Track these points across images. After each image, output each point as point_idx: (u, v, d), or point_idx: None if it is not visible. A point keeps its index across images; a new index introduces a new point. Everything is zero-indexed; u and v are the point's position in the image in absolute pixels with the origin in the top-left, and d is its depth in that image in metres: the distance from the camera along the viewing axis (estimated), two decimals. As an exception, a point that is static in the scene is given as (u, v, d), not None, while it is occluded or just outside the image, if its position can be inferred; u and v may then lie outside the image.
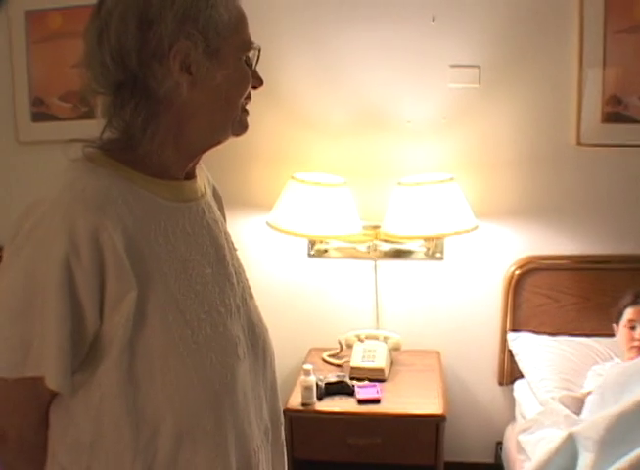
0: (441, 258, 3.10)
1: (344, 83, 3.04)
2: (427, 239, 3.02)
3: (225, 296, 1.33)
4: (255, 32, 2.95)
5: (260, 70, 3.09)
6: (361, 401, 2.71)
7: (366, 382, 2.81)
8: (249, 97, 1.34)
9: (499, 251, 3.06)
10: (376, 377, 2.84)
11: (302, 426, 2.73)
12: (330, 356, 3.06)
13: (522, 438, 2.58)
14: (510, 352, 2.99)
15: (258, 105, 2.99)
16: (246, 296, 1.43)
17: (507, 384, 3.07)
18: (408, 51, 2.97)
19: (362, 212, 2.96)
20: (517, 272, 3.01)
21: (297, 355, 3.12)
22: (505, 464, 2.84)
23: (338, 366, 2.99)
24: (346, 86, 3.04)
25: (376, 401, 2.71)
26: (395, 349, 2.98)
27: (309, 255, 3.16)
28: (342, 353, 3.04)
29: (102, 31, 1.20)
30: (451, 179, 2.86)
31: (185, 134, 1.27)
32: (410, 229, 2.85)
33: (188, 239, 1.29)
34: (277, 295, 3.20)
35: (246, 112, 1.34)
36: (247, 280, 1.47)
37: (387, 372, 2.88)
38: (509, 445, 2.84)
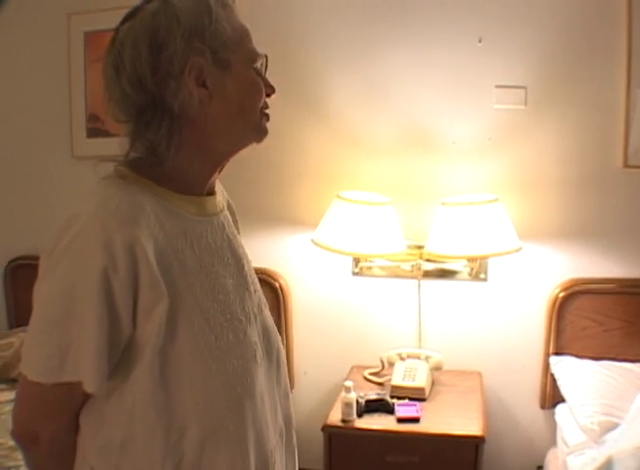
0: (485, 279, 3.09)
1: (391, 103, 3.07)
2: (470, 259, 3.02)
3: (245, 305, 1.41)
4: (304, 51, 3.05)
5: (309, 89, 3.16)
6: (400, 420, 2.71)
7: (406, 401, 2.80)
8: (266, 105, 1.40)
9: (543, 273, 3.04)
10: (416, 396, 2.84)
11: (341, 442, 2.74)
12: (371, 374, 3.07)
13: (570, 460, 2.55)
14: (552, 375, 2.95)
15: (306, 123, 3.12)
16: (261, 305, 1.50)
17: (549, 407, 3.03)
18: (454, 71, 3.00)
19: (406, 232, 2.98)
20: (561, 295, 2.98)
21: (339, 373, 3.14)
22: (545, 488, 2.81)
23: (379, 384, 3.00)
24: (393, 105, 3.07)
25: (415, 420, 2.71)
26: (437, 368, 2.98)
27: (353, 273, 3.19)
28: (384, 372, 3.05)
29: (118, 63, 1.28)
30: (496, 200, 2.86)
31: (209, 145, 1.34)
32: (453, 249, 2.85)
33: (211, 251, 1.36)
34: (321, 312, 3.24)
35: (266, 118, 1.41)
36: (261, 291, 1.54)
37: (427, 391, 2.88)
38: (550, 469, 2.80)
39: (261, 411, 1.39)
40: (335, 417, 2.75)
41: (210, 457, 1.29)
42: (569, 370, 2.88)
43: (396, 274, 3.13)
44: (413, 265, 3.07)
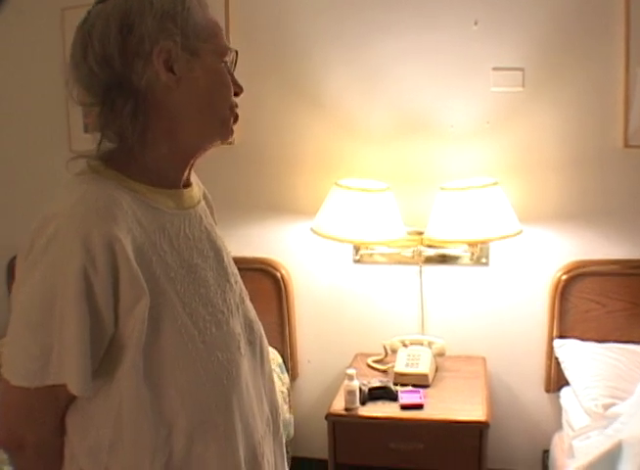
0: (486, 264, 3.07)
1: (387, 89, 3.04)
2: (470, 244, 3.00)
3: (226, 296, 1.40)
4: (299, 39, 3.03)
5: (304, 77, 3.13)
6: (404, 407, 2.71)
7: (410, 387, 2.80)
8: (235, 104, 1.37)
9: (545, 256, 3.02)
10: (420, 383, 2.83)
11: (345, 430, 2.74)
12: (374, 362, 3.06)
13: (576, 443, 2.54)
14: (556, 358, 2.93)
15: (302, 111, 3.10)
16: (243, 295, 1.49)
17: (554, 391, 3.01)
18: (450, 55, 2.97)
19: (406, 218, 2.97)
20: (563, 277, 2.96)
21: (342, 360, 3.13)
22: (552, 472, 2.80)
23: (382, 371, 2.99)
24: (389, 92, 3.04)
25: (419, 407, 2.70)
26: (440, 354, 2.97)
27: (354, 260, 3.17)
28: (387, 359, 3.04)
29: (86, 42, 1.26)
30: (495, 183, 2.83)
31: (177, 137, 1.32)
32: (453, 234, 2.84)
33: (190, 244, 1.35)
34: (323, 300, 3.22)
35: (234, 117, 1.38)
36: (241, 281, 1.52)
37: (430, 378, 2.86)
38: (556, 453, 2.79)
39: (248, 402, 1.38)
40: (338, 405, 2.75)
41: (199, 451, 1.28)
42: (572, 353, 2.87)
43: (397, 261, 3.11)
44: (414, 251, 3.05)
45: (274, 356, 3.14)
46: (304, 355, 3.27)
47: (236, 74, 3.14)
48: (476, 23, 2.93)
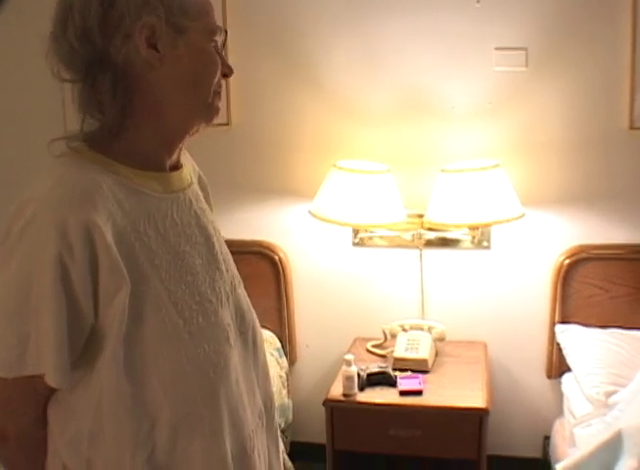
0: (488, 247, 3.02)
1: (387, 69, 2.98)
2: (471, 227, 2.94)
3: (216, 285, 1.34)
4: (297, 19, 2.97)
5: (303, 57, 3.04)
6: (403, 393, 2.67)
7: (409, 373, 2.76)
8: (220, 84, 1.31)
9: (548, 239, 2.97)
10: (419, 368, 2.79)
11: (343, 417, 2.71)
12: (374, 346, 3.02)
13: (577, 431, 2.51)
14: (558, 344, 2.89)
15: (301, 92, 3.04)
16: (235, 283, 1.43)
17: (555, 377, 2.97)
18: (452, 34, 2.90)
19: (406, 200, 2.91)
20: (566, 262, 2.91)
21: (341, 345, 3.09)
22: (553, 459, 2.74)
23: (382, 356, 2.95)
24: (389, 72, 2.98)
25: (418, 393, 2.67)
26: (440, 339, 2.93)
27: (353, 243, 3.12)
28: (387, 344, 3.00)
29: (67, 16, 1.21)
30: (497, 166, 2.78)
31: (160, 118, 1.26)
32: (454, 217, 2.79)
33: (177, 230, 1.30)
34: (321, 284, 3.18)
35: (218, 98, 1.32)
36: (235, 268, 1.46)
37: (430, 363, 2.83)
38: (557, 439, 2.76)
39: (237, 395, 1.34)
40: (336, 391, 2.71)
41: (184, 445, 1.24)
42: (574, 339, 2.83)
43: (397, 244, 3.06)
44: (414, 235, 3.00)
45: (272, 340, 3.11)
46: (303, 340, 3.24)
47: (234, 53, 3.11)
48: (478, 1, 2.86)
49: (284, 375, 3.09)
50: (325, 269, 3.16)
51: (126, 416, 1.20)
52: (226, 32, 1.33)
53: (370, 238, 3.10)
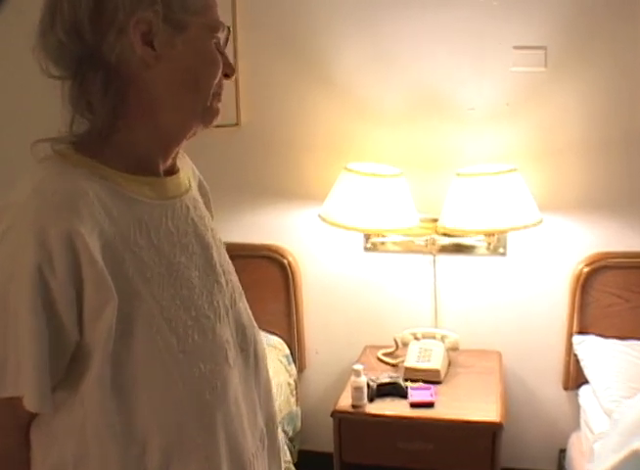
0: (504, 254, 2.92)
1: (401, 68, 2.88)
2: (487, 234, 2.85)
3: (214, 299, 1.25)
4: (309, 15, 2.89)
5: (314, 55, 2.95)
6: (414, 405, 2.59)
7: (420, 384, 2.68)
8: (220, 85, 1.22)
9: (566, 246, 2.86)
10: (431, 379, 2.71)
11: (351, 428, 2.64)
12: (385, 355, 2.93)
13: (597, 447, 2.41)
14: (576, 355, 2.79)
15: (312, 92, 2.95)
16: (235, 296, 1.33)
17: (572, 389, 2.88)
18: (468, 33, 2.80)
19: (419, 205, 2.82)
20: (585, 270, 2.81)
21: (351, 352, 3.01)
22: (568, 474, 2.67)
23: (393, 366, 2.87)
24: (403, 71, 2.88)
25: (429, 405, 2.58)
26: (453, 349, 2.84)
27: (365, 248, 3.03)
28: (398, 352, 2.91)
29: (56, 7, 1.12)
30: (514, 170, 2.69)
31: (155, 121, 1.18)
32: (469, 223, 2.69)
33: (172, 240, 1.20)
34: (332, 289, 3.10)
35: (217, 100, 1.23)
36: (236, 280, 1.37)
37: (443, 374, 2.74)
38: (574, 452, 2.67)
39: (236, 418, 1.24)
40: (345, 402, 2.64)
41: None
42: (593, 350, 2.73)
43: (410, 249, 2.97)
44: (427, 240, 2.91)
45: (281, 347, 3.04)
46: (312, 346, 3.15)
47: (244, 52, 3.02)
48: (496, -1, 2.76)
49: (292, 382, 3.02)
50: (335, 274, 3.08)
51: (113, 441, 1.11)
52: (229, 29, 1.24)
53: (382, 243, 3.01)
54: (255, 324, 1.40)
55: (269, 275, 3.06)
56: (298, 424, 3.01)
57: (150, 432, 1.13)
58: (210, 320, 1.22)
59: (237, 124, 3.02)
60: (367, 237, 3.01)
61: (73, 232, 1.05)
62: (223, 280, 1.30)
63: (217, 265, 1.29)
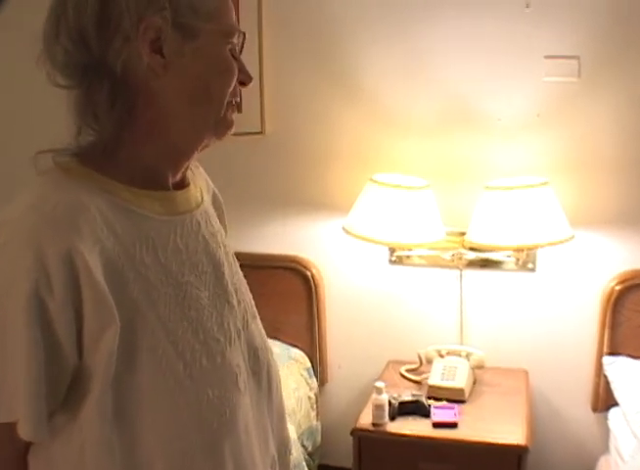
0: (533, 270, 2.83)
1: (429, 77, 2.81)
2: (515, 250, 2.76)
3: (224, 320, 1.18)
4: (336, 20, 2.83)
5: (340, 62, 2.89)
6: (436, 425, 2.51)
7: (444, 403, 2.61)
8: (235, 94, 1.16)
9: (597, 263, 2.77)
10: (455, 398, 2.63)
11: (372, 447, 2.57)
12: (408, 371, 2.86)
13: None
14: (606, 377, 2.70)
15: (337, 99, 2.89)
16: (248, 317, 1.27)
17: (601, 411, 2.78)
18: (499, 41, 2.72)
19: (446, 218, 2.75)
20: (617, 288, 2.71)
21: (373, 368, 2.95)
22: (597, 499, 2.58)
23: (416, 382, 2.79)
24: (431, 80, 2.81)
25: (452, 426, 2.51)
26: (479, 367, 2.75)
27: (390, 261, 2.96)
28: (422, 368, 2.84)
29: (60, 14, 1.07)
30: (545, 183, 2.60)
31: (164, 132, 1.12)
32: (497, 238, 2.61)
33: (180, 258, 1.14)
34: (355, 303, 3.03)
35: (232, 109, 1.17)
36: (250, 299, 1.31)
37: (467, 393, 2.66)
38: (602, 478, 2.58)
39: (246, 446, 1.18)
40: (365, 420, 2.57)
41: None
42: (624, 372, 2.64)
43: (436, 263, 2.89)
44: (454, 254, 2.83)
45: (302, 360, 2.99)
46: (334, 360, 3.09)
47: (269, 60, 2.96)
48: (528, 6, 2.67)
49: (313, 396, 2.97)
50: (359, 287, 3.01)
51: None
52: (244, 35, 1.17)
53: (408, 256, 2.94)
54: (269, 346, 1.33)
55: (292, 287, 3.01)
56: (318, 439, 2.95)
57: (153, 462, 1.07)
58: (220, 343, 1.16)
59: (261, 133, 2.97)
60: (392, 250, 2.94)
61: (73, 250, 0.99)
62: (235, 300, 1.23)
63: (229, 285, 1.23)
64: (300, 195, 3.00)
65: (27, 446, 1.10)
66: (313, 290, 3.00)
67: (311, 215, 3.01)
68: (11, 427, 1.03)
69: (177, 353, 1.09)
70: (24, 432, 1.02)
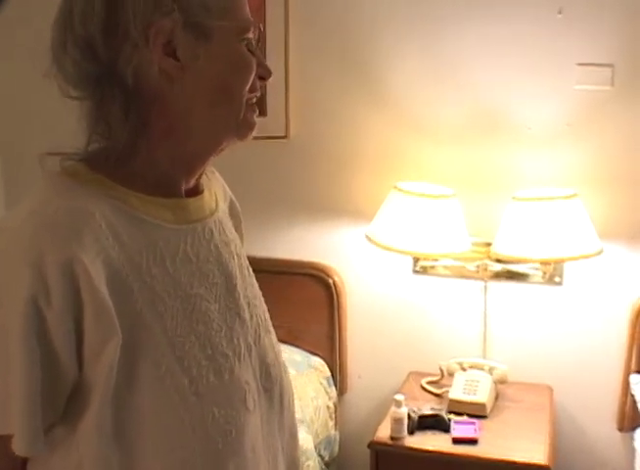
0: (560, 283, 2.76)
1: (458, 83, 2.75)
2: (542, 262, 2.69)
3: (234, 335, 1.14)
4: (362, 23, 2.78)
5: (367, 66, 2.83)
6: (456, 440, 2.45)
7: (465, 418, 2.54)
8: (254, 89, 1.12)
9: (627, 278, 2.69)
10: (476, 413, 2.56)
11: (389, 461, 2.52)
12: (429, 383, 2.80)
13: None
14: (633, 396, 2.61)
15: (363, 104, 2.83)
16: (260, 332, 1.22)
17: (627, 431, 2.69)
18: (530, 47, 2.64)
19: (471, 228, 2.67)
20: (646, 304, 2.63)
21: (394, 379, 2.89)
22: (621, 522, 2.51)
23: (436, 396, 2.73)
24: (460, 86, 2.75)
25: (473, 442, 2.44)
26: (501, 381, 2.68)
27: (414, 271, 2.90)
28: (443, 381, 2.77)
29: (66, 23, 1.04)
30: (574, 195, 2.52)
31: (182, 138, 1.08)
32: (524, 250, 2.54)
33: (190, 268, 1.10)
34: (377, 312, 2.97)
35: (252, 109, 1.12)
36: (264, 312, 1.26)
37: (489, 408, 2.59)
38: (627, 500, 2.50)
39: (253, 467, 1.14)
40: (383, 433, 2.51)
41: None
42: (652, 392, 2.55)
43: (461, 274, 2.83)
44: (479, 265, 2.76)
45: (322, 369, 2.94)
46: (355, 370, 3.03)
47: (294, 62, 2.92)
48: (560, 12, 2.60)
49: (332, 406, 2.92)
50: (382, 296, 2.95)
51: None
52: (260, 28, 1.13)
53: (432, 266, 2.88)
54: (283, 361, 1.29)
55: (314, 294, 2.96)
56: (336, 449, 2.91)
57: None
58: (229, 359, 1.12)
59: (285, 137, 2.92)
60: (416, 259, 2.88)
61: (74, 259, 0.96)
62: (247, 314, 1.19)
63: (241, 298, 1.18)
64: (324, 200, 2.95)
65: (25, 458, 1.07)
66: (335, 298, 2.95)
67: (334, 222, 2.95)
68: (6, 438, 1.00)
69: (183, 369, 1.05)
70: (18, 448, 0.99)
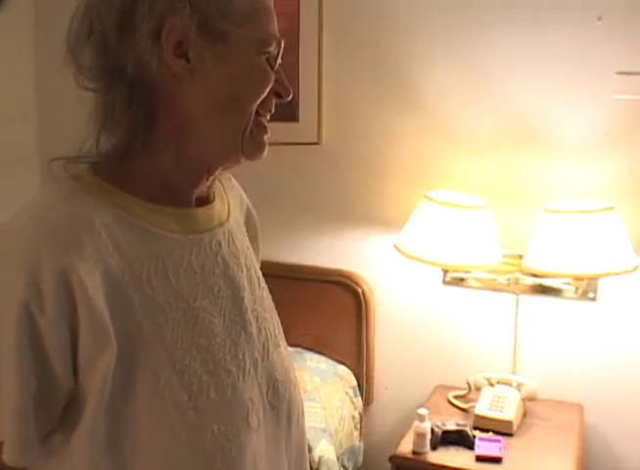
0: (594, 299, 2.67)
1: (492, 92, 2.68)
2: (575, 278, 2.61)
3: (238, 350, 1.11)
4: (396, 31, 2.74)
5: (400, 75, 2.77)
6: (480, 458, 2.37)
7: (490, 435, 2.47)
8: (268, 108, 1.08)
9: (664, 295, 2.59)
10: (502, 430, 2.49)
11: (411, 476, 2.46)
12: (456, 397, 2.74)
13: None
14: (666, 418, 2.53)
15: (396, 113, 2.79)
16: (269, 347, 1.18)
17: (661, 454, 2.61)
18: (567, 55, 2.57)
19: (503, 239, 2.61)
20: (683, 323, 2.53)
21: (421, 391, 2.84)
22: None
23: (462, 410, 2.66)
24: (494, 96, 2.68)
25: (497, 460, 2.36)
26: (530, 399, 2.60)
27: (444, 282, 2.85)
28: (470, 396, 2.71)
29: (84, 19, 1.03)
30: (610, 208, 2.44)
31: (185, 142, 1.06)
32: (556, 264, 2.46)
33: (194, 280, 1.07)
34: (405, 323, 2.93)
35: (263, 129, 1.09)
36: (275, 326, 1.23)
37: (515, 425, 2.51)
38: (658, 526, 2.41)
39: None
40: (406, 447, 2.46)
41: None
42: (686, 415, 2.46)
43: (492, 287, 2.76)
44: (510, 279, 2.70)
45: (348, 378, 2.91)
46: (381, 380, 2.99)
47: (328, 69, 2.90)
48: (599, 19, 2.51)
49: (357, 416, 2.88)
50: (411, 307, 2.90)
51: None
52: (281, 43, 1.09)
53: (462, 278, 2.81)
54: (294, 377, 1.25)
55: (342, 302, 2.92)
56: (360, 459, 2.87)
57: None
58: (231, 374, 1.09)
59: (317, 143, 2.90)
60: (446, 271, 2.82)
61: (69, 268, 0.94)
62: (254, 328, 1.16)
63: (248, 312, 1.15)
64: (354, 208, 2.92)
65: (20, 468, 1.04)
66: (363, 307, 2.91)
67: (364, 230, 2.91)
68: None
69: (182, 384, 1.02)
70: (8, 456, 0.98)
